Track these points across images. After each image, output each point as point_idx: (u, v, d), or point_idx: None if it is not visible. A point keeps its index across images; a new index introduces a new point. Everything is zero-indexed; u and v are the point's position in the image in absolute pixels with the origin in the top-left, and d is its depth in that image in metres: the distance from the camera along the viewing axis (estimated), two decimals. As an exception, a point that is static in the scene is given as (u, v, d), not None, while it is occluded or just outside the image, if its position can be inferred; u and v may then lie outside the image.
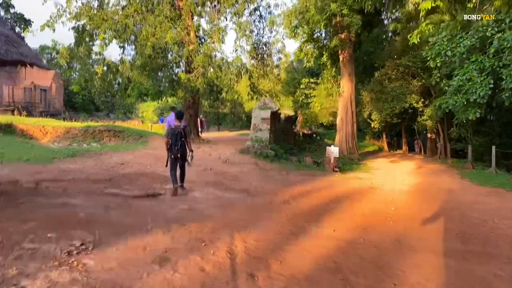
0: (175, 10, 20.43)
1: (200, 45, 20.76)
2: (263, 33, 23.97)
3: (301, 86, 29.22)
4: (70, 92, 46.79)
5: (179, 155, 8.67)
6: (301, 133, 30.40)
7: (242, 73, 20.08)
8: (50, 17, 19.27)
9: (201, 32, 21.86)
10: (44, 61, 48.74)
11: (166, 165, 8.80)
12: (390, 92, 24.50)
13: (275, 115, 18.68)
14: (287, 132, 23.49)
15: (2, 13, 30.98)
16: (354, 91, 25.01)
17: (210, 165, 13.14)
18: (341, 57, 24.69)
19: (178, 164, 8.89)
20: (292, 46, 51.58)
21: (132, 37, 20.41)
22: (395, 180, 13.28)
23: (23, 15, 36.11)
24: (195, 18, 20.83)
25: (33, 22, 36.80)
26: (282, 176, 12.30)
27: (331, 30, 23.63)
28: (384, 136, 37.10)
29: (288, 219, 6.57)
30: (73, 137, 22.79)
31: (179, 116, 8.88)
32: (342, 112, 24.74)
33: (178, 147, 8.60)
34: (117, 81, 22.10)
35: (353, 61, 24.95)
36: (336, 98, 27.49)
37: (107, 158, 13.33)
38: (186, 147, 8.80)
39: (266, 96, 25.14)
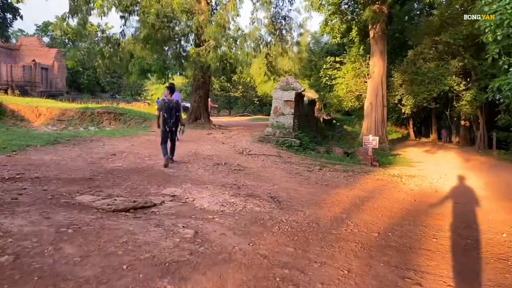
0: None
1: (212, 15, 17.99)
2: (282, 4, 21.13)
3: (325, 66, 26.23)
4: (75, 71, 44.38)
5: (174, 128, 9.10)
6: (321, 119, 27.61)
7: (261, 47, 17.29)
8: (42, -19, 16.62)
9: (213, 0, 19.05)
10: (47, 39, 46.29)
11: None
12: (427, 73, 21.47)
13: (299, 97, 15.98)
14: (310, 117, 20.77)
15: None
16: (386, 71, 22.07)
17: (223, 158, 10.55)
18: (371, 33, 21.72)
19: (169, 137, 9.11)
20: (311, 23, 48.40)
21: (136, 8, 17.70)
22: (457, 180, 10.52)
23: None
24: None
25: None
26: (315, 174, 9.65)
27: (362, 1, 20.65)
28: (411, 122, 34.12)
29: (360, 262, 3.93)
30: (69, 120, 20.43)
31: (171, 90, 9.10)
32: (371, 95, 21.87)
33: (174, 120, 8.95)
34: (118, 57, 19.49)
35: (385, 37, 21.95)
36: (363, 80, 24.55)
37: (97, 147, 10.80)
38: (179, 121, 9.25)
39: (284, 77, 22.39)
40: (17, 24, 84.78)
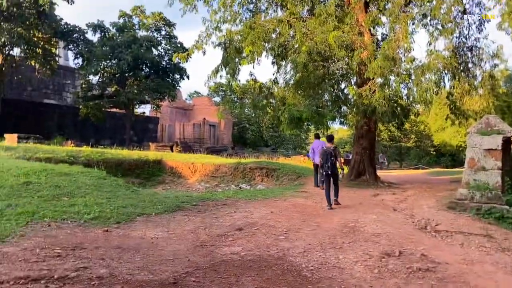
0: (342, 10, 15.17)
1: (377, 49, 14.80)
2: (468, 32, 16.80)
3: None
4: (242, 128, 45.81)
5: (329, 172, 9.50)
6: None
7: (446, 81, 13.23)
8: (199, 36, 16.26)
9: (378, 32, 15.93)
10: (218, 99, 49.33)
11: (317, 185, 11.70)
12: None
13: (506, 143, 11.16)
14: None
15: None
16: None
17: (396, 239, 6.84)
18: None
19: (330, 181, 9.63)
20: (508, 52, 40.30)
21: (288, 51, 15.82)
22: None
23: (182, 43, 31.65)
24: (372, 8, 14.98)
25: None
26: None
27: None
28: None
29: None
30: (222, 176, 19.26)
31: (329, 139, 10.32)
32: None
33: (329, 164, 9.45)
34: (271, 107, 17.80)
35: None
36: None
37: (225, 215, 8.34)
38: (337, 165, 9.64)
39: (475, 120, 17.39)
40: (194, 87, 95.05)
